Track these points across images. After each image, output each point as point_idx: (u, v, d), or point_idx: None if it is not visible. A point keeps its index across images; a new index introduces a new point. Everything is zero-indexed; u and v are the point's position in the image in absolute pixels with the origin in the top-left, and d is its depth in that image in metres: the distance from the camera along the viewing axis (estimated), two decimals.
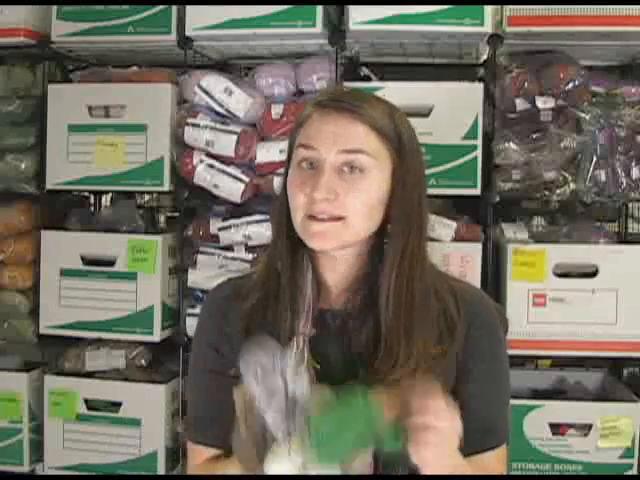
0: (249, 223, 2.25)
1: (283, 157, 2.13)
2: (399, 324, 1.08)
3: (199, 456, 1.18)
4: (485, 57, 2.34)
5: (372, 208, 1.08)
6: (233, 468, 1.06)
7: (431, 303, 1.11)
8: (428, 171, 1.17)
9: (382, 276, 1.10)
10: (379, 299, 1.09)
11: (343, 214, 1.06)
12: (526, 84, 2.16)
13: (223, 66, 2.53)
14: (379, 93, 1.27)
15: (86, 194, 2.75)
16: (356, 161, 1.07)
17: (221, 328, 1.17)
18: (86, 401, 2.37)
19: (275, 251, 1.15)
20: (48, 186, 2.38)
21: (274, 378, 0.95)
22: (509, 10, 2.12)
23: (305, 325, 1.10)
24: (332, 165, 1.07)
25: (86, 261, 2.36)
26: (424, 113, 2.12)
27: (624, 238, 2.45)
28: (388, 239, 1.11)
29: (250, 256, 2.27)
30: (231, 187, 2.23)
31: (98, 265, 2.35)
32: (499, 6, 2.14)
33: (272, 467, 0.96)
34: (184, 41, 2.26)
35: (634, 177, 2.15)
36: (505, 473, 1.17)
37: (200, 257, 2.30)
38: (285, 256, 1.13)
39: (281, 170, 2.13)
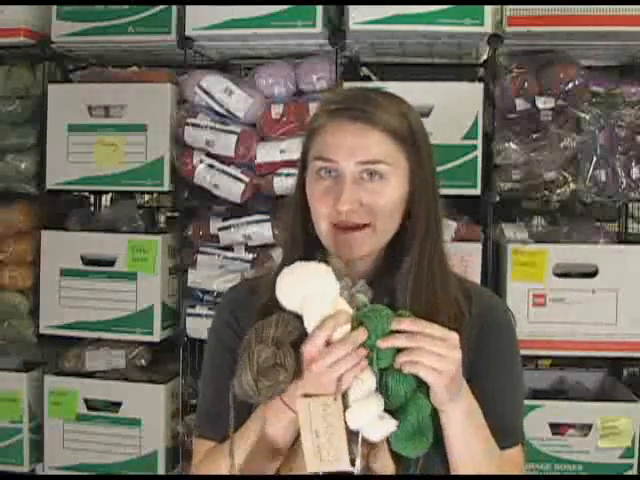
0: (249, 223, 2.25)
1: (283, 157, 2.18)
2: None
3: (204, 450, 1.18)
4: (485, 57, 2.34)
5: (395, 210, 1.10)
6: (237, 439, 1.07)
7: (448, 293, 1.12)
8: None
9: (402, 271, 1.11)
10: (397, 294, 1.10)
11: (369, 221, 1.08)
12: (526, 84, 2.16)
13: (223, 66, 2.53)
14: None
15: (86, 194, 2.75)
16: (375, 170, 1.08)
17: (232, 327, 1.18)
18: (86, 401, 2.37)
19: (289, 251, 1.16)
20: (48, 186, 2.39)
21: None
22: (509, 10, 2.12)
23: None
24: (352, 175, 1.08)
25: (86, 261, 2.36)
26: (424, 113, 2.12)
27: (624, 238, 2.45)
28: (410, 235, 1.12)
29: (250, 256, 2.27)
30: (231, 187, 2.23)
31: (98, 265, 2.35)
32: (499, 6, 2.14)
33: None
34: (184, 41, 2.26)
35: (634, 177, 2.15)
36: (519, 473, 1.15)
37: (200, 257, 2.30)
38: (299, 256, 1.13)
39: (281, 170, 2.19)
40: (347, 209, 1.06)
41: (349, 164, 1.07)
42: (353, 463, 0.97)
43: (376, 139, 1.08)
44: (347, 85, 2.17)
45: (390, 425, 0.97)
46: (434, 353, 0.95)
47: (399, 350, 0.97)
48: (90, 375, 2.41)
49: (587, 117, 2.12)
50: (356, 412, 0.96)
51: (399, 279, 1.11)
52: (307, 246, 1.14)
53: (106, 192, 2.73)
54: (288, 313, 1.01)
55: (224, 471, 1.07)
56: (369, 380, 0.97)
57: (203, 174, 2.24)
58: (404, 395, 0.98)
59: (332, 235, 1.09)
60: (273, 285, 1.15)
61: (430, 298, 1.10)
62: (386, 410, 0.97)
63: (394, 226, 1.12)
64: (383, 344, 0.96)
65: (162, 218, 2.91)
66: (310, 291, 0.98)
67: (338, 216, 1.07)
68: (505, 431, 1.12)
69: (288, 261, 1.15)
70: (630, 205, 2.48)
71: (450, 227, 2.17)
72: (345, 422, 0.96)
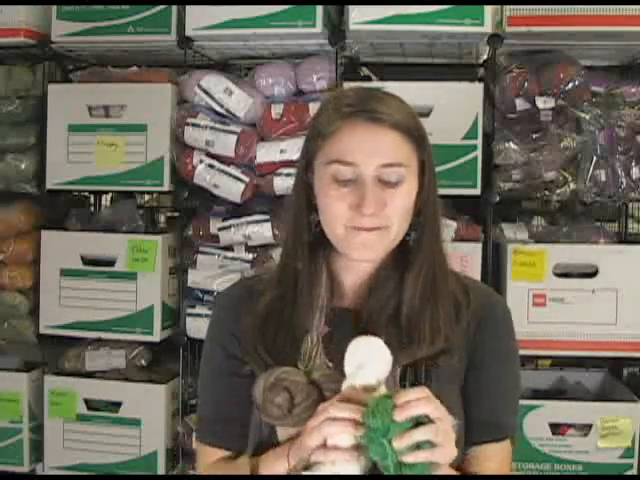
0: (249, 223, 2.25)
1: (283, 157, 2.19)
2: (424, 317, 1.09)
3: (208, 457, 1.18)
4: (485, 57, 2.34)
5: (409, 211, 1.10)
6: (243, 469, 1.07)
7: (448, 290, 1.13)
8: None
9: (410, 271, 1.11)
10: (404, 293, 1.10)
11: (388, 223, 1.08)
12: (526, 84, 2.16)
13: (223, 66, 2.53)
14: None
15: (86, 194, 2.75)
16: (395, 174, 1.07)
17: (231, 329, 1.17)
18: (86, 401, 2.37)
19: (290, 251, 1.16)
20: (48, 186, 2.39)
21: None
22: (509, 10, 2.12)
23: (319, 323, 1.11)
24: (373, 178, 1.07)
25: (86, 261, 2.36)
26: (424, 113, 2.12)
27: (624, 238, 2.45)
28: (419, 234, 1.12)
29: (250, 256, 2.27)
30: (231, 187, 2.23)
31: (98, 265, 2.35)
32: (499, 6, 2.14)
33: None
34: (184, 41, 2.26)
35: (634, 177, 2.15)
36: (508, 468, 1.16)
37: (200, 257, 2.30)
38: (303, 256, 1.13)
39: (281, 170, 2.19)
40: (372, 212, 1.05)
41: (369, 167, 1.06)
42: None
43: (394, 140, 1.07)
44: (347, 85, 2.17)
45: None
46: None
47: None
48: (90, 375, 2.41)
49: (587, 117, 2.13)
50: None
51: (408, 277, 1.11)
52: (311, 247, 1.14)
53: (106, 192, 2.74)
54: (298, 382, 1.01)
55: None
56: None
57: (203, 174, 2.24)
58: None
59: (350, 236, 1.08)
60: (276, 284, 1.15)
61: (432, 295, 1.11)
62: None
63: (407, 226, 1.11)
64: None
65: (162, 218, 2.92)
66: (367, 363, 0.99)
67: (361, 219, 1.06)
68: (494, 424, 1.13)
69: (287, 259, 1.15)
70: (630, 205, 2.47)
71: (450, 227, 2.17)
72: None
